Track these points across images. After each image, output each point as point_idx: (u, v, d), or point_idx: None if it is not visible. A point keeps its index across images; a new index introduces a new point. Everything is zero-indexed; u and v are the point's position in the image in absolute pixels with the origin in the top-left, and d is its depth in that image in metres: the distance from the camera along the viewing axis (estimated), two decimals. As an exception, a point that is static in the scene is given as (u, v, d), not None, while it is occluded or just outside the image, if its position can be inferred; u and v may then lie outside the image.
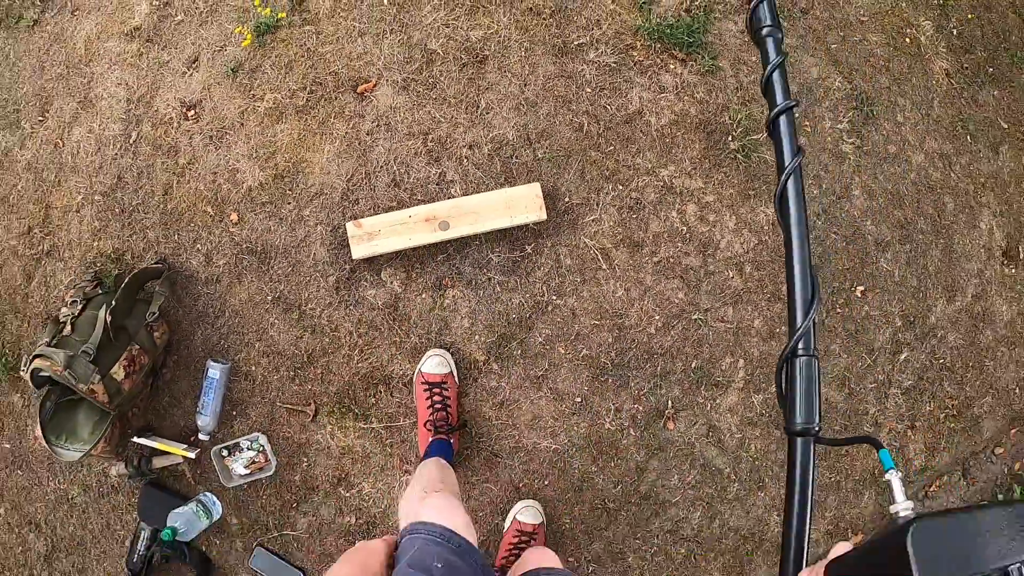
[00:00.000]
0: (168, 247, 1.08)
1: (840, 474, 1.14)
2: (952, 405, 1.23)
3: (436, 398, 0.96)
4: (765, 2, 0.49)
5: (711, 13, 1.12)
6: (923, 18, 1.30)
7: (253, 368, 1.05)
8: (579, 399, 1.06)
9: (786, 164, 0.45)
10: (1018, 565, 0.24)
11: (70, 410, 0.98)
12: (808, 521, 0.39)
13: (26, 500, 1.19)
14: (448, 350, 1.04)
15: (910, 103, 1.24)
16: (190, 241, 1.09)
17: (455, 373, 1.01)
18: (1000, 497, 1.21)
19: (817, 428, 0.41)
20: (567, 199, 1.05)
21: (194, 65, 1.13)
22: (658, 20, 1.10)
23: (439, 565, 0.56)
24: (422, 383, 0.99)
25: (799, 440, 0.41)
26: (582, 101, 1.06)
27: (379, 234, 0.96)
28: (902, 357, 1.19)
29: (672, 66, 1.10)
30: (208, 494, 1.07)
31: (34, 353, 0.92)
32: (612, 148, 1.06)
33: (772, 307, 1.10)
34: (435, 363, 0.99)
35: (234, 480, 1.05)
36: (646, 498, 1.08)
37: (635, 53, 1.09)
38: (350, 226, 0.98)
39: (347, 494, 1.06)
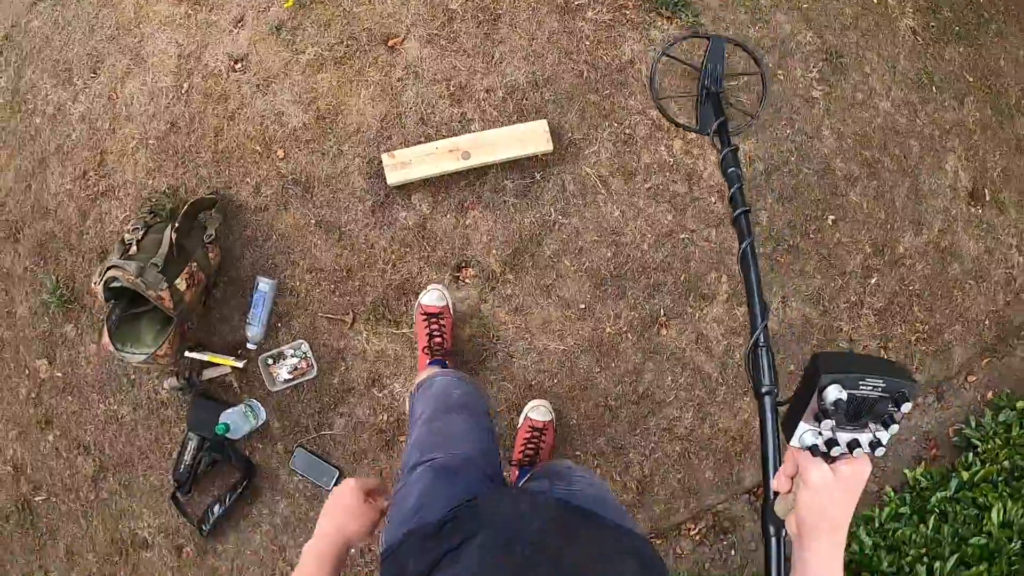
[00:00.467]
0: (220, 181, 1.42)
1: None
2: (923, 329, 1.55)
3: (434, 327, 1.19)
4: (738, 189, 0.85)
5: (693, -22, 1.50)
6: (890, -19, 1.69)
7: (297, 284, 1.37)
8: (583, 306, 1.38)
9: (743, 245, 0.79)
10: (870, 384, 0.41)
11: (133, 321, 1.22)
12: (775, 457, 0.66)
13: (76, 424, 1.48)
14: (468, 265, 1.35)
15: (877, 56, 1.59)
16: (240, 176, 1.42)
17: (451, 306, 1.24)
18: (972, 421, 1.54)
19: (776, 391, 0.71)
20: (570, 134, 1.31)
21: (240, 24, 1.48)
22: (647, -17, 1.48)
23: (458, 392, 0.73)
24: (422, 314, 1.21)
25: (765, 398, 0.72)
26: (582, 52, 1.35)
27: (410, 163, 1.30)
28: (872, 281, 1.53)
29: (659, 23, 1.46)
30: (254, 400, 1.39)
31: (108, 264, 1.20)
32: (608, 91, 1.35)
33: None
34: (434, 296, 1.23)
35: (278, 385, 1.34)
36: (644, 397, 1.41)
37: (627, 12, 1.46)
38: (385, 157, 1.31)
39: (380, 394, 1.37)
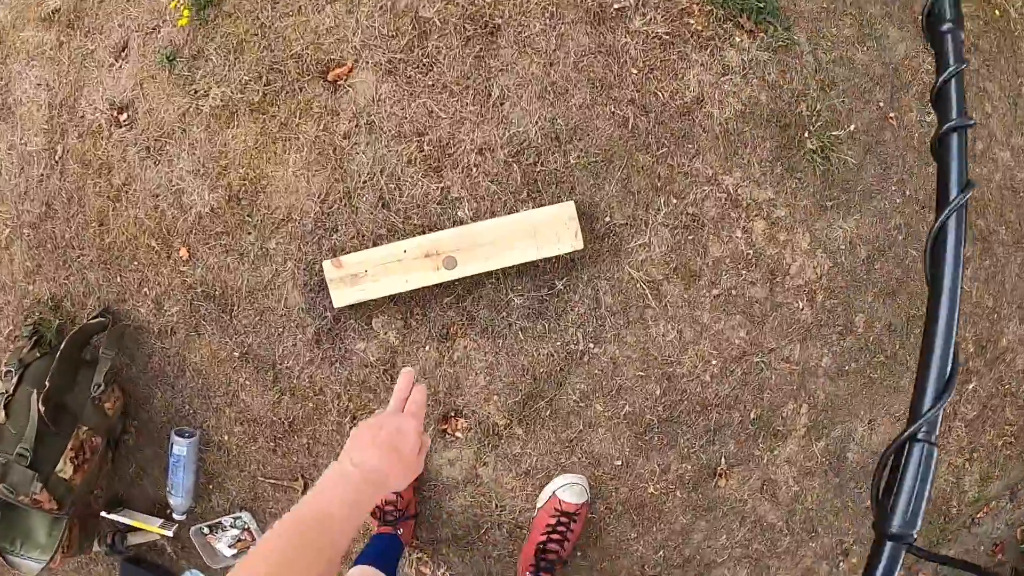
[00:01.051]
0: (111, 292, 0.74)
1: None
2: (1010, 432, 0.93)
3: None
4: None
5: (786, -34, 0.70)
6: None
7: (226, 437, 0.75)
8: (619, 462, 0.76)
9: (951, 198, 0.30)
10: None
11: (16, 512, 0.67)
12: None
13: None
14: (459, 415, 0.69)
15: (998, 89, 0.86)
16: (135, 284, 0.74)
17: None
18: None
19: (914, 537, 0.29)
20: (607, 219, 0.73)
21: (123, 54, 0.74)
22: (722, -25, 0.68)
23: None
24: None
25: (888, 544, 0.29)
26: (626, 86, 0.72)
27: (365, 275, 0.62)
28: (970, 387, 0.87)
29: (738, 39, 0.70)
30: (195, 571, 0.77)
31: None
32: (665, 149, 0.73)
33: (842, 342, 0.78)
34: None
35: (220, 561, 0.75)
36: (689, 560, 0.81)
37: (692, 21, 0.69)
38: (327, 266, 0.64)
39: (345, 570, 0.75)
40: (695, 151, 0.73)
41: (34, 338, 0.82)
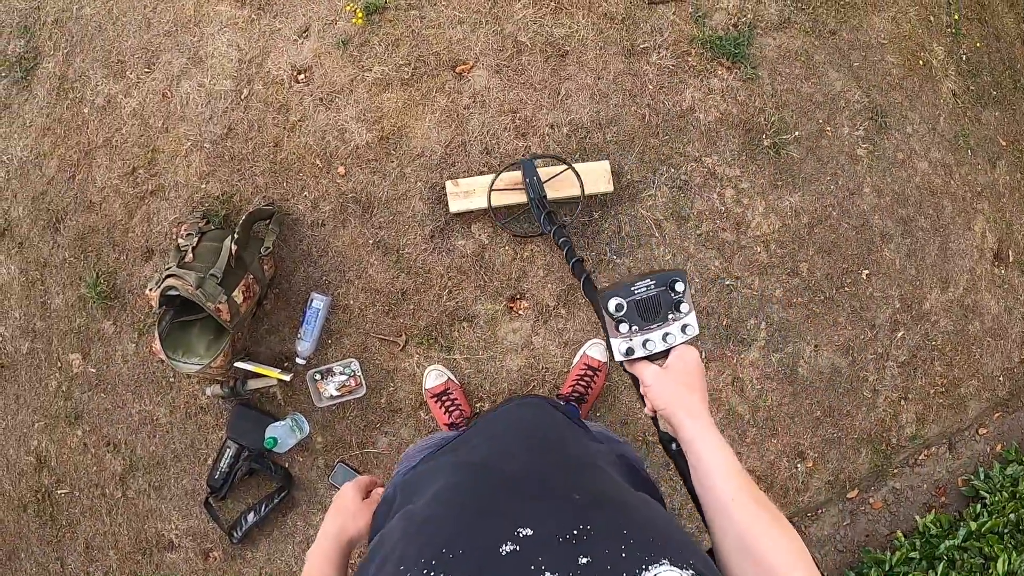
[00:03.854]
0: (277, 192, 1.47)
1: (841, 431, 1.61)
2: (941, 383, 1.69)
3: (447, 403, 1.26)
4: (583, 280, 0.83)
5: (754, 29, 1.59)
6: (936, 44, 1.80)
7: (351, 302, 1.44)
8: None
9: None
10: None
11: (183, 329, 1.28)
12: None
13: (107, 421, 1.53)
14: (522, 298, 1.43)
15: (919, 117, 1.72)
16: (298, 189, 1.48)
17: (452, 376, 1.32)
18: (981, 473, 1.69)
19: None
20: (629, 176, 1.41)
21: (305, 34, 1.53)
22: (710, 32, 1.56)
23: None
24: (431, 397, 1.29)
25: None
26: (645, 96, 1.46)
27: (474, 193, 1.38)
28: (899, 335, 1.66)
29: (720, 72, 1.56)
30: (299, 414, 1.46)
31: (166, 273, 1.25)
32: (667, 136, 1.45)
33: (791, 280, 1.56)
34: (434, 377, 1.30)
35: (324, 401, 1.40)
36: None
37: (690, 59, 1.55)
38: (449, 184, 1.38)
39: (426, 416, 1.45)
40: (687, 140, 1.42)
41: (204, 219, 1.44)
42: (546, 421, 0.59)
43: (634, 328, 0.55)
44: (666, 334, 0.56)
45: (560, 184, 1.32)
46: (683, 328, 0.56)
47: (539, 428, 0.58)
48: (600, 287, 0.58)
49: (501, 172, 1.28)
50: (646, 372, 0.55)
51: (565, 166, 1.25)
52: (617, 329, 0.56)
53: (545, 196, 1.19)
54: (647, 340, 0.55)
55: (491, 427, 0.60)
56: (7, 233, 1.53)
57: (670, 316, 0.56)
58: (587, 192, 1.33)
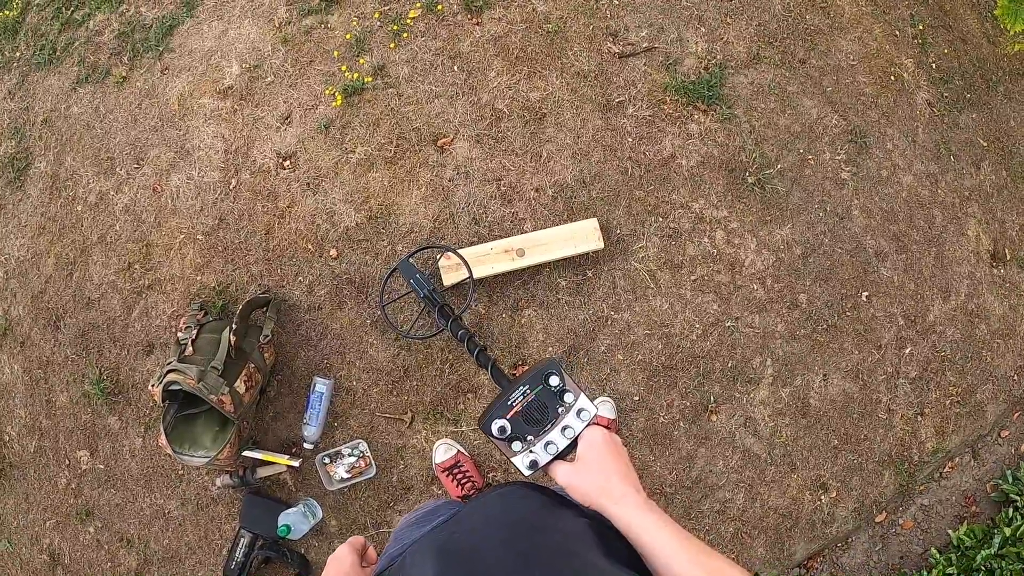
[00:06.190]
0: (271, 279, 1.49)
1: (861, 456, 1.59)
2: (956, 392, 1.68)
3: (459, 476, 1.28)
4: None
5: (725, 69, 1.63)
6: (905, 57, 1.84)
7: (354, 383, 1.45)
8: (637, 398, 1.48)
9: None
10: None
11: (188, 423, 1.26)
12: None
13: (119, 516, 1.52)
14: (524, 364, 1.46)
15: (898, 132, 1.75)
16: (292, 274, 1.50)
17: (462, 448, 1.34)
18: (1009, 476, 1.67)
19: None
20: (618, 230, 1.44)
21: (287, 121, 1.57)
22: (682, 78, 1.60)
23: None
24: (442, 471, 1.30)
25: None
26: (625, 149, 1.50)
27: (462, 266, 1.40)
28: (907, 351, 1.65)
29: (696, 116, 1.59)
30: (311, 499, 1.45)
31: (167, 368, 1.27)
32: (652, 187, 1.49)
33: (791, 313, 1.56)
34: (443, 451, 1.32)
35: (335, 484, 1.41)
36: (696, 482, 1.50)
37: (666, 107, 1.58)
38: (441, 259, 1.41)
39: (439, 491, 1.45)
40: (672, 187, 1.45)
41: (202, 311, 1.49)
42: (531, 507, 0.57)
43: (529, 439, 0.53)
44: (564, 428, 0.54)
45: (549, 244, 1.34)
46: (578, 414, 0.54)
47: (523, 518, 0.56)
48: (482, 413, 0.56)
49: (387, 277, 1.31)
50: (558, 474, 0.53)
51: (446, 250, 1.27)
52: (511, 448, 0.54)
53: (435, 290, 1.18)
54: (548, 443, 0.53)
55: (479, 511, 0.59)
56: (9, 333, 1.55)
57: (559, 409, 0.54)
58: (578, 251, 1.34)
